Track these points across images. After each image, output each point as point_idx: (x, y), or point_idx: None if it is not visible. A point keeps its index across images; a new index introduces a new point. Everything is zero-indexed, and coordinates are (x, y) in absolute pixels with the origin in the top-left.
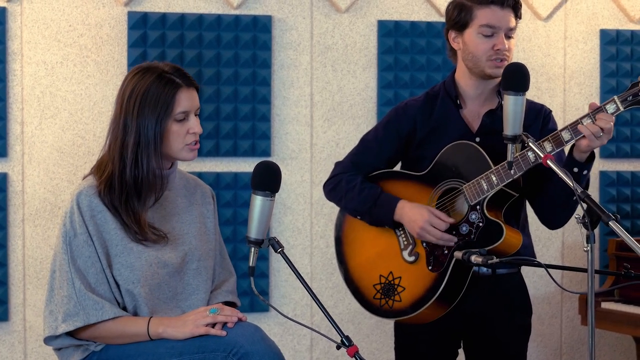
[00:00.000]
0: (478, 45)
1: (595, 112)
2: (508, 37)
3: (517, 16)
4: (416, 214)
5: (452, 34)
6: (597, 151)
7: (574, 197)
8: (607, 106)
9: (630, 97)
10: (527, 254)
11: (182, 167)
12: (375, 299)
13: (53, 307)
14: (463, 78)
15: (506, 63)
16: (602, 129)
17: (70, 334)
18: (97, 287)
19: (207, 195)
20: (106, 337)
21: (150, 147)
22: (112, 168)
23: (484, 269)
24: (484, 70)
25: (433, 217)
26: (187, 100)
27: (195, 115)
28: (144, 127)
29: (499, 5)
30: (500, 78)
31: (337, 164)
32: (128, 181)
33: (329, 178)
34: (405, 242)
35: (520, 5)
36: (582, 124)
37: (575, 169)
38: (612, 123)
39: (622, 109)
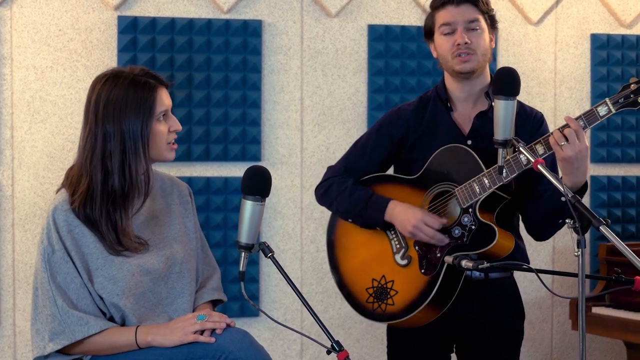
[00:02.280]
0: (442, 46)
1: (582, 116)
2: (471, 29)
3: (480, 8)
4: (409, 213)
5: (429, 44)
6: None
7: (560, 221)
8: (599, 108)
9: (622, 99)
10: (521, 258)
11: (173, 171)
12: (368, 303)
13: (39, 326)
14: (448, 81)
15: (474, 57)
16: (565, 137)
17: (59, 351)
18: (79, 303)
19: (184, 194)
20: (96, 351)
21: (139, 151)
22: (90, 181)
23: (477, 273)
24: (453, 68)
25: (426, 216)
26: (164, 99)
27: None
28: (128, 132)
29: (453, 4)
30: (488, 80)
31: (329, 168)
32: (115, 190)
33: (320, 182)
34: (398, 246)
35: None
36: (562, 131)
37: (563, 198)
38: (575, 132)
39: (613, 110)
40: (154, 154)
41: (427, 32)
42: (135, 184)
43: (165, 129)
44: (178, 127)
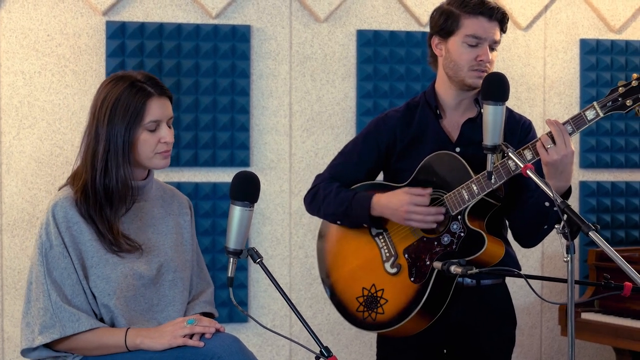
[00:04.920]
0: (462, 54)
1: (570, 120)
2: (491, 49)
3: (503, 30)
4: (395, 201)
5: (435, 40)
6: (576, 161)
7: (546, 226)
8: (587, 112)
9: (610, 103)
10: (511, 264)
11: (161, 176)
12: (358, 312)
13: (30, 319)
14: (442, 87)
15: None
16: (553, 140)
17: (47, 345)
18: (74, 299)
19: (184, 206)
20: (83, 349)
21: (119, 155)
22: (86, 176)
23: (468, 280)
24: (464, 80)
25: (413, 197)
26: (158, 109)
27: (168, 125)
28: (113, 135)
29: (487, 17)
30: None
31: (317, 177)
32: (99, 189)
33: (308, 190)
34: (387, 254)
35: (507, 20)
36: (550, 135)
37: (547, 203)
38: (562, 135)
39: (601, 114)
40: (139, 161)
41: (441, 30)
42: (116, 187)
43: (153, 139)
44: (169, 139)
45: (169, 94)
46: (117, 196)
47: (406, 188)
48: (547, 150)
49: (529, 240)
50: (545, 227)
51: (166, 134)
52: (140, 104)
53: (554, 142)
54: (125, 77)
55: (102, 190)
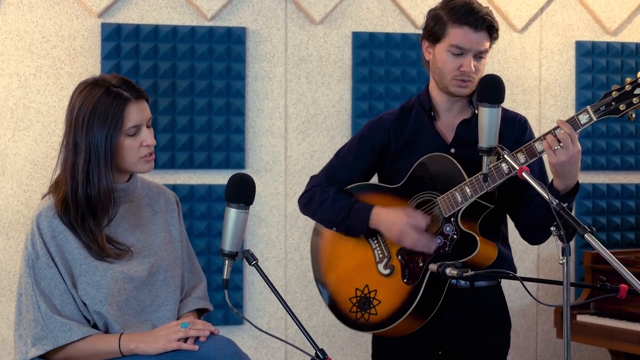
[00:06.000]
0: (445, 63)
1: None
2: (479, 57)
3: (492, 38)
4: (394, 217)
5: (425, 44)
6: None
7: (555, 223)
8: (580, 116)
9: (603, 107)
10: (507, 267)
11: (156, 178)
12: (351, 313)
13: (22, 332)
14: (435, 90)
15: (472, 84)
16: (558, 140)
17: (42, 357)
18: (63, 309)
19: (171, 202)
20: (78, 357)
21: (101, 165)
22: (66, 188)
23: (462, 282)
24: (448, 88)
25: (412, 219)
26: (137, 113)
27: (148, 126)
28: (93, 145)
29: (473, 27)
30: (465, 95)
31: (312, 178)
32: (81, 200)
33: (303, 192)
34: (381, 255)
35: (496, 29)
36: (555, 134)
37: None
38: (569, 136)
39: (595, 119)
40: (124, 167)
41: (430, 35)
42: (98, 196)
43: (135, 144)
44: (151, 142)
45: (146, 96)
46: (100, 206)
47: (408, 209)
48: (554, 152)
49: (538, 236)
50: (556, 223)
51: (147, 137)
52: (118, 111)
53: (559, 143)
54: (99, 83)
55: (85, 200)
